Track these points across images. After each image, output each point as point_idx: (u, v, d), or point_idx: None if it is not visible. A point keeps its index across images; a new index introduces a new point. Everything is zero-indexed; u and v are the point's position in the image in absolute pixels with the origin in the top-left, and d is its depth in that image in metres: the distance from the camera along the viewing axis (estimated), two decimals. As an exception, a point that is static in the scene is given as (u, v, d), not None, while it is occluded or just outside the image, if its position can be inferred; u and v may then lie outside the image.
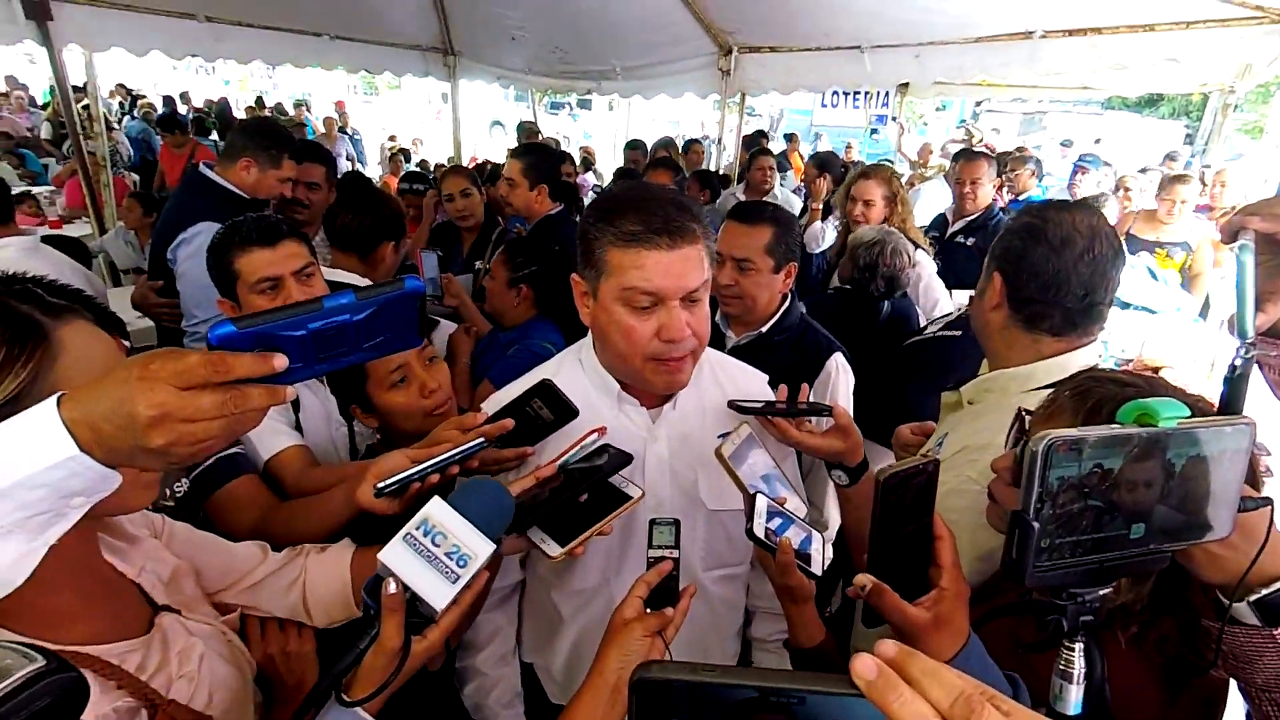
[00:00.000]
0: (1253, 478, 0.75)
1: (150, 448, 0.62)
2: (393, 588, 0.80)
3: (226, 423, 0.65)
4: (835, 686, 0.42)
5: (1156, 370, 1.26)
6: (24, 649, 0.47)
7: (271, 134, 2.96)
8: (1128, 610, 0.91)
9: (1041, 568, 0.63)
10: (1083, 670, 0.68)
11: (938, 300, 3.30)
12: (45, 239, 3.11)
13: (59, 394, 0.64)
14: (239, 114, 12.35)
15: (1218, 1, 3.41)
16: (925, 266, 3.31)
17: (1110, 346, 3.04)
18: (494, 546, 0.85)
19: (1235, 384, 0.77)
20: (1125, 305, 3.27)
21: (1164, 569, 0.77)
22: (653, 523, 1.03)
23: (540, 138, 7.77)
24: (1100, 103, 16.89)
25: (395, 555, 0.80)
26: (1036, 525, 0.61)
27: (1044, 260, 1.32)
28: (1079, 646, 0.68)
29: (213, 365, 0.63)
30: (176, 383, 0.62)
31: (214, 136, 10.03)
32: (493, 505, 0.89)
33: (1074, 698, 0.68)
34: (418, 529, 0.82)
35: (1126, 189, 4.99)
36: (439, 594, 0.80)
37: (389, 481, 1.08)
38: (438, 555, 0.81)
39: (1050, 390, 1.02)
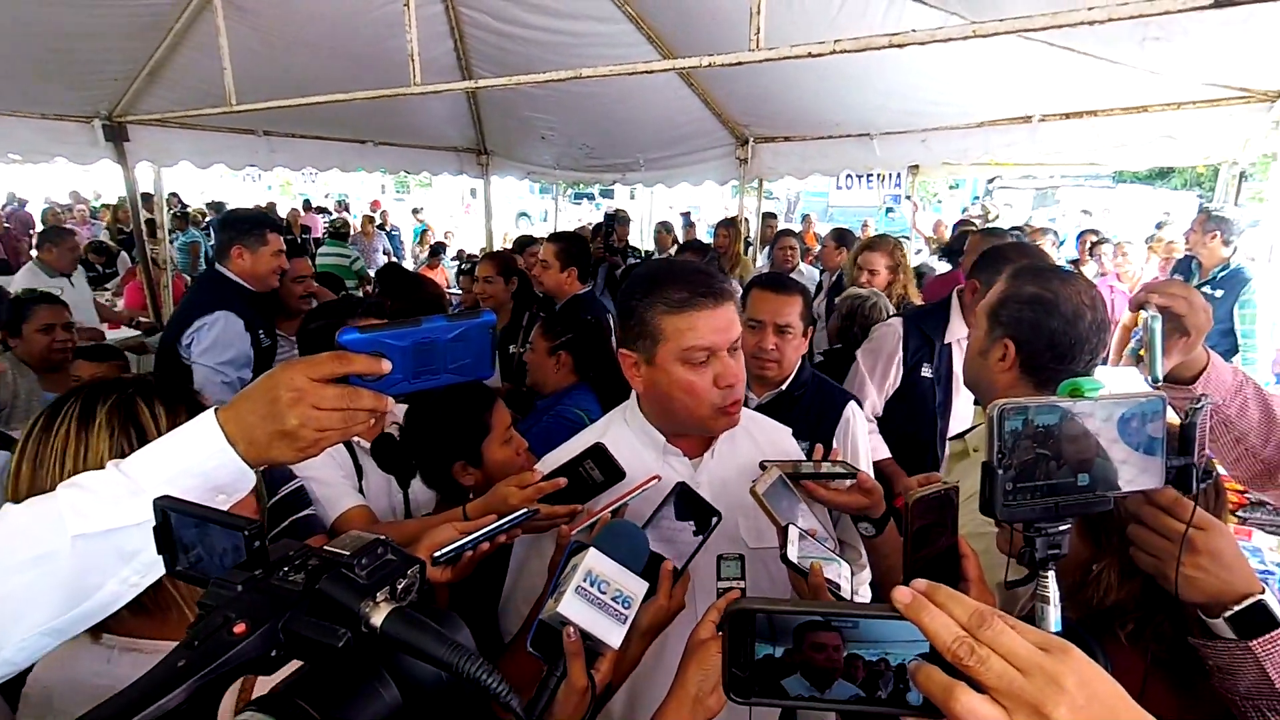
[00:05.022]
0: (1189, 450, 0.89)
1: (285, 429, 0.80)
2: (573, 635, 0.91)
3: (343, 416, 0.82)
4: (880, 612, 0.55)
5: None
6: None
7: (248, 219, 3.37)
8: (1123, 608, 0.99)
9: (1010, 505, 0.77)
10: (1057, 594, 0.81)
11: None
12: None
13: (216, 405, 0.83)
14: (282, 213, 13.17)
15: (1203, 84, 3.62)
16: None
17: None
18: (646, 584, 0.97)
19: (1188, 428, 0.90)
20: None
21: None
22: (720, 557, 1.13)
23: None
24: (1111, 176, 17.23)
25: (571, 607, 0.91)
26: (1000, 472, 0.76)
27: (1061, 334, 1.44)
28: (1051, 575, 0.81)
29: (336, 359, 0.81)
30: (310, 373, 0.80)
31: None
32: (634, 546, 1.02)
33: (1054, 617, 0.80)
34: (586, 581, 0.93)
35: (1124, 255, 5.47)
36: (613, 634, 0.92)
37: (445, 551, 1.20)
38: (606, 601, 0.93)
39: None
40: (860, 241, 4.19)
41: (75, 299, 4.98)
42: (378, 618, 0.52)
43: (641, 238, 12.83)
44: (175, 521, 0.66)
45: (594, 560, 0.94)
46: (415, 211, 15.68)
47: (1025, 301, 1.48)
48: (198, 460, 0.80)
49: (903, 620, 0.52)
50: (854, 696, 0.55)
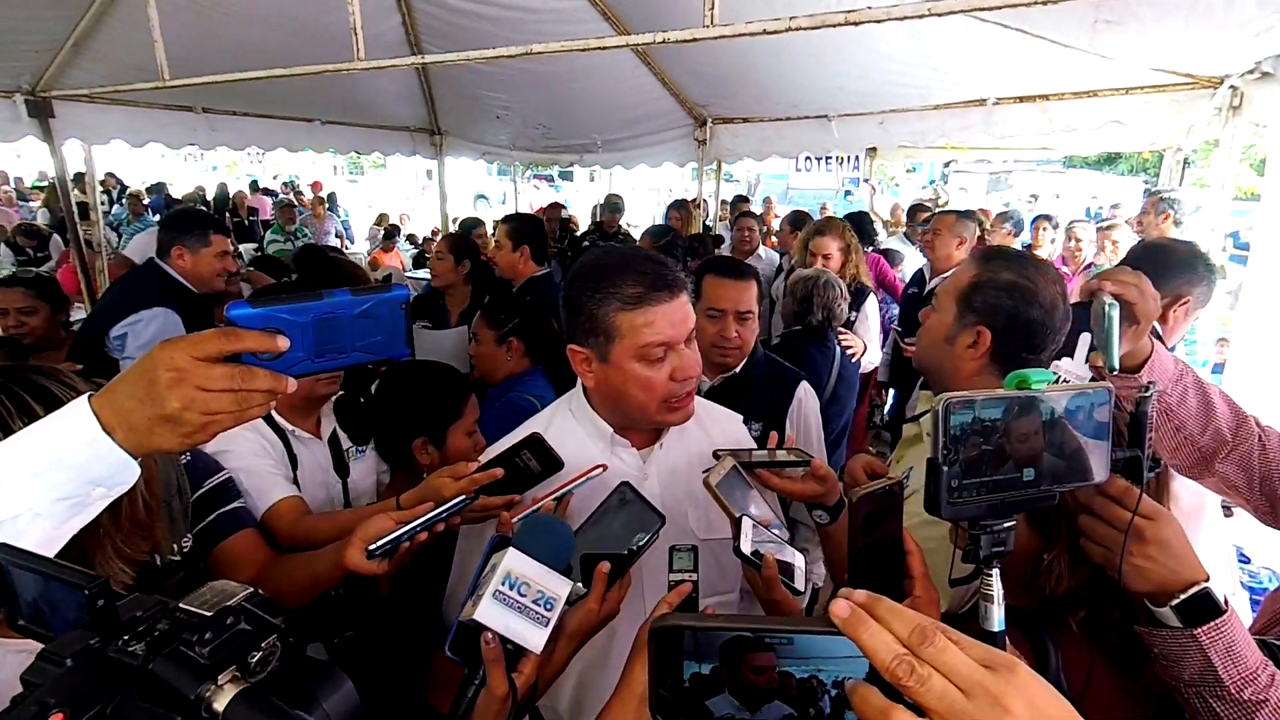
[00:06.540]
0: (1138, 439, 0.89)
1: (167, 413, 0.71)
2: (491, 640, 0.85)
3: (235, 398, 0.73)
4: (817, 626, 0.50)
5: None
6: None
7: (192, 217, 3.24)
8: (1075, 595, 0.99)
9: (955, 503, 0.74)
10: (1001, 592, 0.78)
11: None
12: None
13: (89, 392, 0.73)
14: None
15: (1150, 70, 3.68)
16: (869, 310, 3.72)
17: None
18: (570, 585, 0.92)
19: (1137, 418, 0.90)
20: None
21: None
22: (673, 549, 1.09)
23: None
24: (1061, 161, 17.63)
25: (489, 612, 0.85)
26: (946, 468, 0.73)
27: (1039, 324, 1.41)
28: (995, 573, 0.79)
29: (224, 335, 0.72)
30: (193, 351, 0.71)
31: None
32: (558, 542, 0.96)
33: (997, 615, 0.78)
34: (504, 584, 0.87)
35: (1077, 239, 5.34)
36: (534, 638, 0.87)
37: (380, 543, 1.14)
38: (526, 604, 0.87)
39: None
40: (809, 226, 4.14)
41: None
42: (221, 702, 0.47)
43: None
44: (14, 575, 0.58)
45: (513, 560, 0.89)
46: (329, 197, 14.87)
47: (1003, 288, 1.43)
48: (68, 450, 0.71)
49: (841, 635, 0.47)
50: (786, 717, 0.51)
